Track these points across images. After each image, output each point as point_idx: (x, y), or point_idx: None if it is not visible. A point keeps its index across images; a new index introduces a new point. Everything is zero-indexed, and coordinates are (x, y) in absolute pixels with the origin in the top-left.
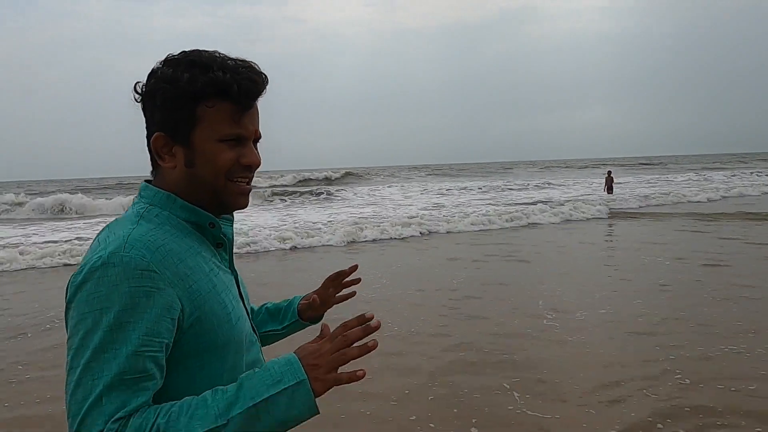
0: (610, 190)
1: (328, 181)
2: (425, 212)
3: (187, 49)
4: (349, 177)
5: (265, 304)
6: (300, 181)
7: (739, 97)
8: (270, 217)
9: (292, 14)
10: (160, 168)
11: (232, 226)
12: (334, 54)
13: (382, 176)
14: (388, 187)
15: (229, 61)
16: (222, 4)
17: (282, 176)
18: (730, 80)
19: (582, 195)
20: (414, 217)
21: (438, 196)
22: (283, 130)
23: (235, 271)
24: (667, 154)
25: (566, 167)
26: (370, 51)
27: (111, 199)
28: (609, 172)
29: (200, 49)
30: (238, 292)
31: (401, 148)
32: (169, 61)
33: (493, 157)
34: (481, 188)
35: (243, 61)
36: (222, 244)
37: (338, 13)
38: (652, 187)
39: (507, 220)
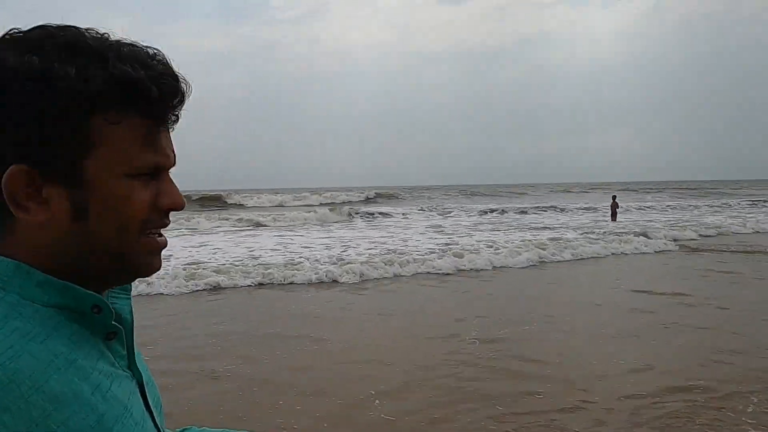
0: (614, 216)
1: (367, 201)
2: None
3: (46, 23)
4: (381, 198)
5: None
6: (332, 203)
7: (748, 125)
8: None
9: (311, 35)
10: (16, 224)
11: (129, 299)
12: (351, 76)
13: (418, 197)
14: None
15: (128, 49)
16: (241, 25)
17: (305, 197)
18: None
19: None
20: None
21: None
22: (300, 148)
23: (140, 371)
24: (683, 179)
25: (582, 190)
26: (387, 74)
27: None
28: (614, 197)
29: (69, 24)
30: (143, 405)
31: (420, 169)
32: (25, 42)
33: (510, 179)
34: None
35: (149, 48)
36: (115, 333)
37: (356, 35)
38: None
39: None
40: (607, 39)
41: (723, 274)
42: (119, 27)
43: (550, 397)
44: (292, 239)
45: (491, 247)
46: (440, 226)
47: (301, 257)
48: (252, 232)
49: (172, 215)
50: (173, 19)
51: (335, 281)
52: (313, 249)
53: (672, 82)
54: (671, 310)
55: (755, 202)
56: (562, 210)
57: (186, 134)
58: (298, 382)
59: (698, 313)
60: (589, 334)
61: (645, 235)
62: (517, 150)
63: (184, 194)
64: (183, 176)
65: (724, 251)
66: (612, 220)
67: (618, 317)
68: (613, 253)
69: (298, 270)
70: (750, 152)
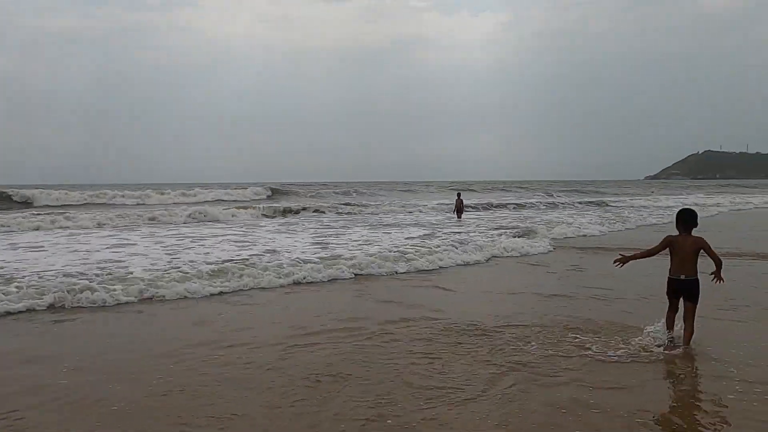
0: (459, 214)
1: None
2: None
3: None
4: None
5: None
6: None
7: (593, 132)
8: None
9: (182, 23)
10: None
11: None
12: (227, 67)
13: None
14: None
15: None
16: (101, 4)
17: (195, 194)
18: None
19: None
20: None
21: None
22: (170, 142)
23: None
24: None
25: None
26: (264, 67)
27: None
28: (459, 194)
29: None
30: None
31: (298, 165)
32: None
33: (392, 176)
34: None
35: None
36: None
37: (231, 26)
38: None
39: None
40: (475, 46)
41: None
42: None
43: None
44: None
45: None
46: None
47: None
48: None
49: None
50: None
51: None
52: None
53: (529, 90)
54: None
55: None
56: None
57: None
58: None
59: None
60: None
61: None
62: (395, 149)
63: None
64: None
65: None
66: (458, 218)
67: None
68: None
69: None
70: (596, 156)
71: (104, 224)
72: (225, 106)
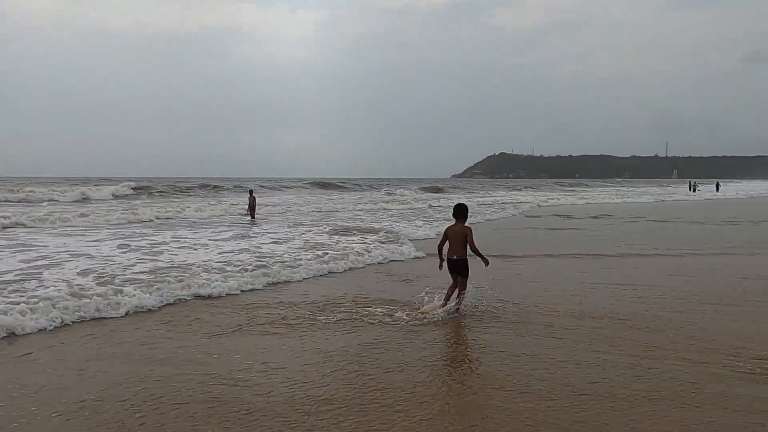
0: (252, 212)
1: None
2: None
3: None
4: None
5: None
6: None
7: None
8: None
9: None
10: None
11: None
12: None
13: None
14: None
15: None
16: None
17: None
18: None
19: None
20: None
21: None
22: None
23: None
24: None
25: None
26: (57, 48)
27: None
28: (251, 192)
29: None
30: None
31: (85, 158)
32: None
33: (202, 172)
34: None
35: None
36: None
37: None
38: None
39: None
40: (292, 43)
41: None
42: None
43: None
44: None
45: None
46: None
47: None
48: None
49: None
50: None
51: None
52: None
53: (344, 90)
54: None
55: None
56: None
57: None
58: None
59: None
60: None
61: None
62: (207, 143)
63: None
64: None
65: None
66: (251, 217)
67: None
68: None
69: None
70: (407, 157)
71: None
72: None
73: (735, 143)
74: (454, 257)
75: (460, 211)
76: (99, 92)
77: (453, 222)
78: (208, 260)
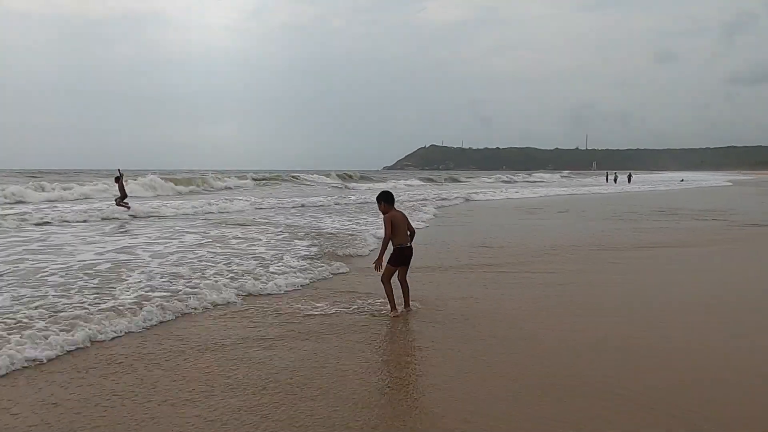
0: (123, 199)
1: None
2: None
3: None
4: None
5: None
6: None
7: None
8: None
9: None
10: None
11: None
12: None
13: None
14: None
15: None
16: None
17: None
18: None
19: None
20: None
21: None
22: None
23: None
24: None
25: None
26: None
27: None
28: (119, 173)
29: None
30: None
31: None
32: None
33: (121, 164)
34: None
35: None
36: None
37: None
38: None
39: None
40: (219, 31)
41: None
42: None
43: None
44: None
45: None
46: None
47: None
48: None
49: None
50: None
51: None
52: None
53: (273, 81)
54: None
55: None
56: None
57: None
58: None
59: None
60: None
61: None
62: (131, 133)
63: None
64: None
65: None
66: (126, 207)
67: None
68: None
69: None
70: (340, 148)
71: None
72: None
73: (646, 137)
74: (409, 244)
75: (391, 197)
76: (3, 76)
77: (384, 212)
78: None
